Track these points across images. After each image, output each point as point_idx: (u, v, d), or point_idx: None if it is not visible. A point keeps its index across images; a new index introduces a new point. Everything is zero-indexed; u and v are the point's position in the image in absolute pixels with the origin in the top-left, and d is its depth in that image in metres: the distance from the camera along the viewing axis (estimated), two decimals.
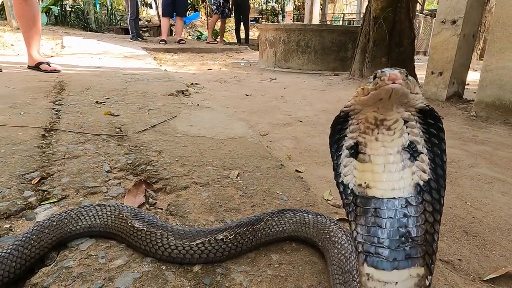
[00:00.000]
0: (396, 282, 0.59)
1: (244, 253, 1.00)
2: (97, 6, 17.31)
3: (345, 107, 0.66)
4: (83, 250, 0.97)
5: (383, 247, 0.60)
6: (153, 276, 0.88)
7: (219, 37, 11.61)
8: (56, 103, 2.60)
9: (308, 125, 2.49)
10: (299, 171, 1.68)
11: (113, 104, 2.71)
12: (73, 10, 15.95)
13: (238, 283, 0.88)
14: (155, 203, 1.30)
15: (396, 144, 0.62)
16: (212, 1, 10.68)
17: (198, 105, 2.93)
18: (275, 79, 4.82)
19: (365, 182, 0.63)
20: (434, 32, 3.16)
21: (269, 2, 23.16)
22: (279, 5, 22.69)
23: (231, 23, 14.26)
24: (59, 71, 3.94)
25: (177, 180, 1.46)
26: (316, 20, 8.23)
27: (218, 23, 11.39)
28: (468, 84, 4.18)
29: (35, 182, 1.33)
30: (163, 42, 9.49)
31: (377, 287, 0.59)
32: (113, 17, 16.64)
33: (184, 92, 3.46)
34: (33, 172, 1.42)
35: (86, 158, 1.62)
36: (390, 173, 0.62)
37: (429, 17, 12.89)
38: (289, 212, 1.09)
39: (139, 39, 10.00)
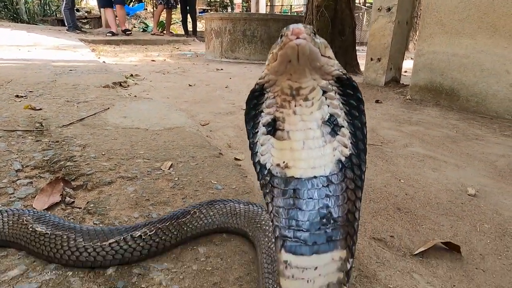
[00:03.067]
0: (316, 267, 0.54)
1: (168, 249, 0.91)
2: None
3: (259, 79, 0.59)
4: None
5: (302, 230, 0.54)
6: (55, 284, 0.76)
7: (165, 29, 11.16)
8: None
9: None
10: (239, 159, 1.61)
11: (36, 98, 2.45)
12: None
13: (157, 283, 0.79)
14: (73, 202, 1.15)
15: (316, 118, 0.57)
16: None
17: (135, 96, 2.74)
18: (222, 69, 4.71)
19: (283, 162, 0.57)
20: (372, 19, 3.24)
21: None
22: None
23: (178, 14, 13.81)
24: None
25: (101, 175, 1.32)
26: (262, 11, 8.18)
27: (164, 15, 10.95)
28: (405, 72, 4.39)
29: None
30: (110, 34, 8.68)
31: (295, 275, 0.53)
32: (48, 8, 15.31)
33: (122, 83, 3.23)
34: None
35: None
36: (310, 150, 0.57)
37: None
38: (218, 203, 1.02)
39: (77, 30, 9.28)
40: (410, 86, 2.86)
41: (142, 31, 14.39)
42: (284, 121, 0.57)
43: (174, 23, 14.03)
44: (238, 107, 2.59)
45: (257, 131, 0.61)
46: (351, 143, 0.58)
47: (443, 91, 2.64)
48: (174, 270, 0.84)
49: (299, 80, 0.53)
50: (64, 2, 8.97)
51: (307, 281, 0.53)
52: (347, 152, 0.58)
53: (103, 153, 1.53)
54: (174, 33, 12.59)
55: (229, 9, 22.12)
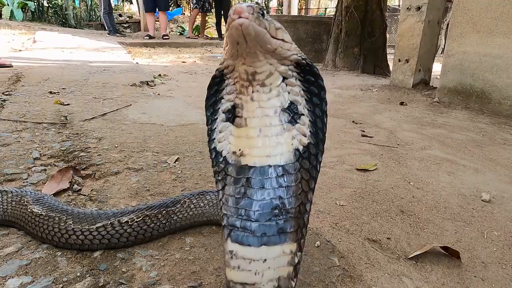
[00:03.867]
0: (265, 260, 0.52)
1: (156, 238, 0.93)
2: (77, 1, 16.94)
3: (219, 65, 0.59)
4: None
5: (251, 220, 0.53)
6: (43, 263, 0.80)
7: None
8: (5, 93, 2.47)
9: None
10: None
11: (68, 94, 2.60)
12: (50, 5, 15.56)
13: (137, 268, 0.81)
14: (80, 189, 1.21)
15: (274, 104, 0.55)
16: None
17: (159, 94, 2.83)
18: None
19: (239, 149, 0.56)
20: (401, 19, 3.13)
21: None
22: (264, 1, 22.56)
23: (214, 18, 14.11)
24: (10, 66, 3.73)
25: (110, 166, 1.38)
26: (295, 11, 8.13)
27: (200, 18, 11.23)
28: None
29: None
30: (148, 37, 9.23)
31: (241, 266, 0.52)
32: (93, 13, 16.27)
33: (149, 82, 3.35)
34: None
35: (17, 145, 1.52)
36: (266, 138, 0.55)
37: None
38: (210, 194, 1.02)
39: (117, 34, 9.77)
40: (438, 88, 2.73)
41: (179, 35, 14.87)
42: (243, 108, 0.56)
43: (209, 27, 14.35)
44: None
45: (217, 118, 0.61)
46: (310, 132, 0.57)
47: (473, 94, 2.49)
48: (157, 257, 0.86)
49: (253, 64, 0.52)
50: (102, 7, 9.49)
51: (255, 273, 0.51)
52: (305, 141, 0.57)
53: (116, 145, 1.59)
54: (210, 36, 12.88)
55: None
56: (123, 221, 0.88)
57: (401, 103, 2.69)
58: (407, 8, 3.03)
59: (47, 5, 15.40)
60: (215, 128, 0.60)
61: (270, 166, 0.55)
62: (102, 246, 0.86)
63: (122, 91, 2.82)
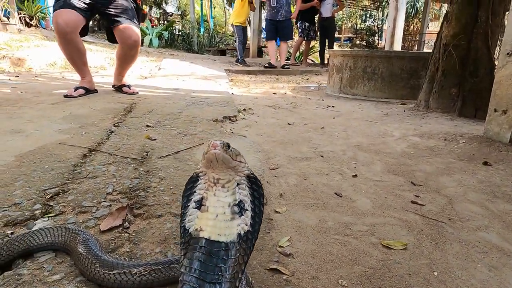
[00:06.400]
0: None
1: (158, 285, 1.12)
2: (202, 30, 19.31)
3: (196, 170, 0.85)
4: (40, 262, 1.21)
5: (199, 278, 0.75)
6: None
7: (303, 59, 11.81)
8: (116, 124, 3.09)
9: (327, 161, 2.45)
10: (278, 212, 1.71)
11: (160, 128, 3.09)
12: (180, 34, 18.15)
13: None
14: (128, 227, 1.50)
15: (228, 200, 0.80)
16: (298, 25, 10.96)
17: (232, 132, 3.12)
18: (333, 106, 4.75)
19: (200, 227, 0.80)
20: (499, 65, 2.78)
21: (365, 21, 22.51)
22: (376, 24, 21.88)
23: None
24: (136, 93, 4.60)
25: (157, 208, 1.65)
26: (398, 43, 7.73)
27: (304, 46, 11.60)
28: None
29: (47, 197, 1.67)
30: (268, 65, 9.68)
31: None
32: (213, 40, 18.37)
33: (231, 118, 3.70)
34: (55, 188, 1.78)
35: (101, 178, 1.93)
36: (219, 221, 0.79)
37: None
38: None
39: (238, 64, 10.39)
40: None
41: (286, 60, 15.52)
42: (207, 200, 0.81)
43: (316, 51, 14.65)
44: (318, 153, 2.64)
45: (189, 205, 0.85)
46: (250, 223, 0.80)
47: None
48: None
49: (219, 174, 0.79)
50: (237, 36, 10.48)
51: None
52: (246, 228, 0.80)
53: (171, 187, 1.87)
54: (316, 61, 13.15)
55: (377, 37, 21.54)
56: (133, 272, 1.10)
57: (485, 163, 2.38)
58: (508, 54, 2.69)
59: (177, 34, 18.00)
60: (187, 212, 0.84)
61: (219, 242, 0.78)
62: (115, 285, 1.09)
63: (203, 126, 3.21)
